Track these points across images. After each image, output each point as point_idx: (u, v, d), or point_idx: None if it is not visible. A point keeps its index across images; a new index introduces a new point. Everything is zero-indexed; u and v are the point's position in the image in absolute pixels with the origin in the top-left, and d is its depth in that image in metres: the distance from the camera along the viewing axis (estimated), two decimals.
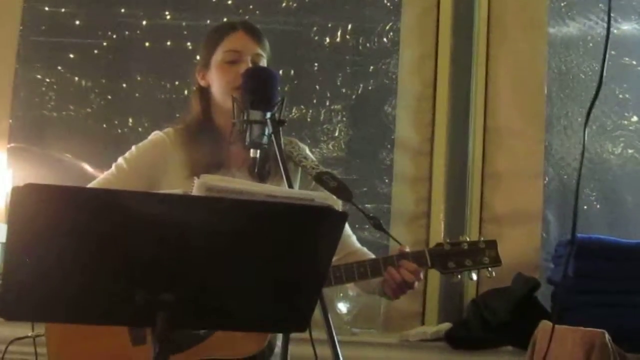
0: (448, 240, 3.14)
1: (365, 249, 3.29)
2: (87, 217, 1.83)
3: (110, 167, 3.17)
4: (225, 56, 3.12)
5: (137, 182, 3.05)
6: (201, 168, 2.94)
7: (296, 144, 3.21)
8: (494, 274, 3.14)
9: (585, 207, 4.75)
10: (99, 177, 3.18)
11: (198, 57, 3.29)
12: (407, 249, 3.07)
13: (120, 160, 3.15)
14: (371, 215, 3.08)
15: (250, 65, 3.06)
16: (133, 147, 3.18)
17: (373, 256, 3.20)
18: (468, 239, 3.16)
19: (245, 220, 1.92)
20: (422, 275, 3.06)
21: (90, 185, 3.12)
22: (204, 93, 3.19)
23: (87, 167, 4.70)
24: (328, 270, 2.19)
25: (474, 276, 3.14)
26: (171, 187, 2.84)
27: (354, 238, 3.30)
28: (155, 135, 3.19)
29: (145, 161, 3.12)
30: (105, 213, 1.84)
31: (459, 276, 3.15)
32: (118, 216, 1.84)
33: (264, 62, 3.14)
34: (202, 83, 3.19)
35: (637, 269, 4.14)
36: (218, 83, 3.12)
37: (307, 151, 3.23)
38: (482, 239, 3.16)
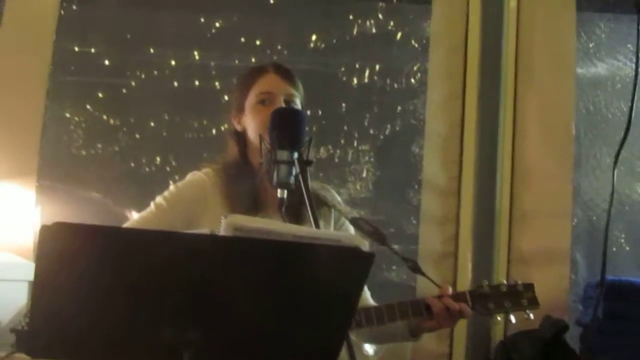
0: (486, 283, 3.15)
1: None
2: (115, 256, 1.83)
3: (138, 204, 3.18)
4: (257, 98, 3.14)
5: (176, 221, 3.05)
6: (240, 209, 2.95)
7: (329, 190, 3.25)
8: (531, 316, 3.17)
9: (614, 248, 4.72)
10: (138, 216, 3.19)
11: (232, 102, 3.30)
12: (450, 291, 3.07)
13: (159, 199, 3.16)
14: (408, 258, 3.10)
15: (283, 104, 3.08)
16: (172, 186, 3.19)
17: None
18: (506, 282, 3.18)
19: (272, 260, 1.92)
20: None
21: (129, 224, 3.14)
22: (240, 137, 3.21)
23: (115, 206, 4.71)
24: (355, 310, 2.18)
25: (513, 318, 3.17)
26: (210, 228, 2.85)
27: (368, 294, 3.29)
28: (195, 175, 3.20)
29: (185, 200, 3.13)
30: (132, 252, 1.84)
31: (498, 317, 3.18)
32: (145, 255, 1.84)
33: (297, 102, 3.15)
34: (238, 127, 3.21)
35: None
36: (252, 125, 3.13)
37: (339, 197, 3.25)
38: (519, 282, 3.18)
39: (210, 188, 3.12)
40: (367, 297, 3.28)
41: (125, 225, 3.13)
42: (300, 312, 1.97)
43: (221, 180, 3.14)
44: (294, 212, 2.83)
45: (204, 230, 2.36)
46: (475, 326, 4.37)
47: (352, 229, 3.09)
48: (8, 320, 3.73)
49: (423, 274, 3.16)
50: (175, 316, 1.90)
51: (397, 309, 3.05)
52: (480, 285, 3.17)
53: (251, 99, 3.16)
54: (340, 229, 3.19)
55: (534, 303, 3.17)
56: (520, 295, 3.16)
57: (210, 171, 3.19)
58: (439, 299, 3.03)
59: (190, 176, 3.21)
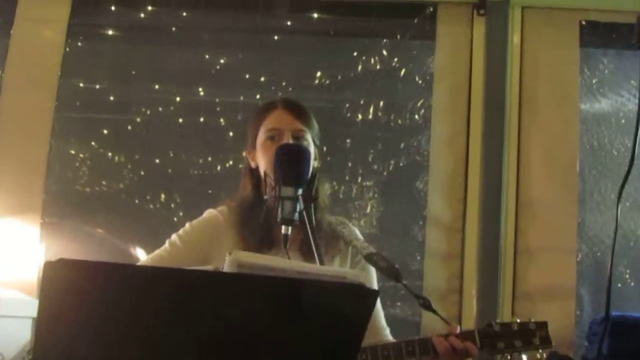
0: (497, 322, 3.11)
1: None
2: (118, 293, 1.82)
3: (143, 241, 3.18)
4: (266, 135, 3.14)
5: (190, 259, 3.04)
6: (253, 247, 2.96)
7: (347, 225, 3.24)
8: (544, 355, 3.11)
9: (619, 284, 4.70)
10: (152, 254, 3.19)
11: (246, 139, 3.31)
12: (458, 330, 3.05)
13: (173, 237, 3.16)
14: (420, 296, 3.09)
15: (290, 140, 3.08)
16: (187, 225, 3.20)
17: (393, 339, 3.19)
18: (518, 320, 3.14)
19: (275, 296, 1.91)
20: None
21: (143, 262, 3.14)
22: (254, 173, 3.21)
23: (120, 243, 4.71)
24: (359, 347, 2.17)
25: (524, 358, 3.12)
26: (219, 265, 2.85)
27: (382, 314, 3.28)
28: (209, 213, 3.20)
29: (199, 239, 3.13)
30: (135, 289, 1.83)
31: (509, 357, 3.13)
32: (148, 292, 1.84)
33: (307, 137, 3.15)
34: (252, 164, 3.22)
35: None
36: (262, 162, 3.13)
37: (358, 233, 3.24)
38: (532, 319, 3.14)
39: (224, 226, 3.13)
40: (381, 317, 3.27)
41: (140, 262, 3.13)
42: (304, 348, 1.96)
43: (235, 217, 3.15)
44: (305, 248, 2.84)
45: (209, 266, 2.36)
46: None
47: (368, 265, 3.09)
48: (12, 356, 3.73)
49: (434, 311, 3.14)
50: (179, 353, 1.89)
51: (404, 348, 3.03)
52: (489, 323, 3.14)
53: (261, 136, 3.17)
54: (358, 265, 3.19)
55: (546, 342, 3.09)
56: (532, 334, 3.10)
57: (225, 209, 3.20)
58: (445, 337, 3.00)
59: (206, 214, 3.22)
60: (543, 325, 3.13)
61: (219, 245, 3.08)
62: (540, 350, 3.10)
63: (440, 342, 3.00)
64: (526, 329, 3.11)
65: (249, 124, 3.28)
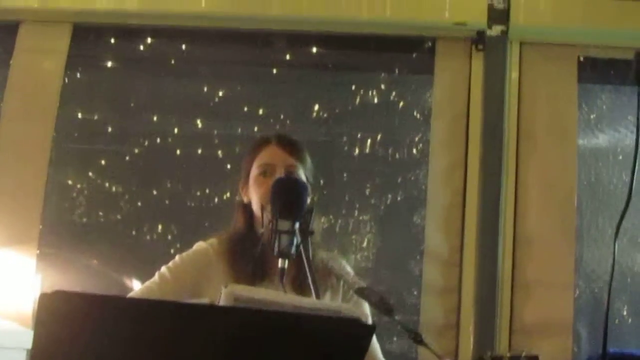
0: (489, 354, 3.11)
1: None
2: (113, 325, 1.82)
3: (139, 272, 3.18)
4: (259, 170, 3.16)
5: (180, 292, 3.04)
6: (245, 280, 2.95)
7: (338, 259, 3.24)
8: None
9: (616, 320, 4.69)
10: (142, 286, 3.19)
11: (240, 173, 3.32)
12: None
13: (163, 269, 3.16)
14: (413, 330, 3.08)
15: (283, 175, 3.09)
16: (177, 257, 3.20)
17: None
18: (508, 354, 3.13)
19: (271, 330, 1.91)
20: None
21: (132, 294, 3.14)
22: (246, 207, 3.22)
23: (116, 274, 4.69)
24: None
25: None
26: (214, 298, 2.85)
27: (378, 348, 3.27)
28: (199, 245, 3.21)
29: (189, 271, 3.13)
30: (131, 321, 1.83)
31: None
32: (144, 325, 1.83)
33: (300, 173, 3.16)
34: (245, 199, 3.23)
35: None
36: (255, 196, 3.15)
37: (349, 267, 3.24)
38: (523, 353, 3.13)
39: (214, 258, 3.13)
40: (377, 352, 3.27)
41: (130, 295, 3.12)
42: None
43: (226, 250, 3.15)
44: (298, 282, 2.83)
45: (204, 299, 2.36)
46: None
47: (361, 300, 3.08)
48: None
49: (426, 345, 3.13)
50: None
51: None
52: (481, 356, 3.13)
53: (254, 171, 3.18)
54: (350, 300, 3.19)
55: None
56: None
57: (215, 241, 3.20)
58: None
59: (196, 247, 3.22)
60: (534, 358, 3.13)
61: (209, 278, 3.08)
62: None
63: None
64: None
65: (243, 159, 3.30)
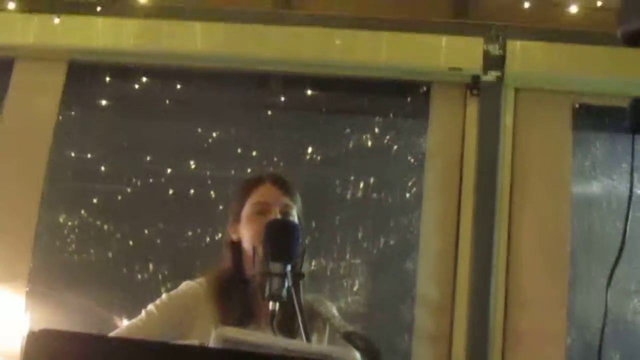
0: None
1: None
2: None
3: (130, 312, 3.16)
4: (253, 209, 3.16)
5: (166, 330, 3.02)
6: (232, 321, 2.94)
7: (324, 302, 3.22)
8: None
9: None
10: (129, 323, 3.17)
11: (229, 211, 3.31)
12: None
13: (150, 306, 3.14)
14: None
15: (278, 216, 3.08)
16: (164, 295, 3.18)
17: None
18: None
19: None
20: None
21: (118, 331, 3.12)
22: (235, 247, 3.21)
23: (106, 313, 4.67)
24: None
25: None
26: (201, 336, 2.83)
27: None
28: (188, 284, 3.19)
29: (176, 309, 3.11)
30: None
31: None
32: None
33: (293, 213, 3.16)
34: (234, 237, 3.22)
35: None
36: (247, 236, 3.13)
37: (335, 310, 3.22)
38: None
39: (202, 298, 3.11)
40: None
41: (115, 332, 3.10)
42: None
43: (214, 290, 3.13)
44: (286, 324, 2.81)
45: (194, 341, 2.34)
46: None
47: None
48: None
49: None
50: None
51: None
52: None
53: (247, 209, 3.17)
54: (336, 343, 3.16)
55: None
56: None
57: (203, 281, 3.19)
58: None
59: (184, 285, 3.20)
60: None
61: (196, 318, 3.06)
62: None
63: None
64: None
65: (234, 197, 3.29)
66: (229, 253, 3.23)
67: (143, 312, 3.13)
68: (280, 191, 3.19)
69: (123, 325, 3.24)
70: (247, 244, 3.14)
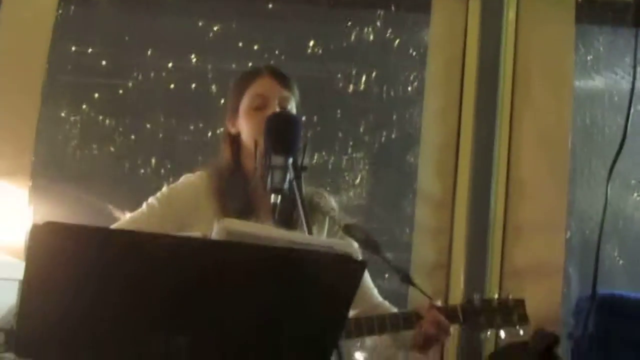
0: (477, 297, 3.14)
1: (387, 303, 3.28)
2: (106, 258, 1.82)
3: (132, 206, 3.16)
4: (252, 101, 3.14)
5: (168, 222, 3.03)
6: (232, 213, 2.95)
7: (323, 195, 3.23)
8: (521, 332, 3.16)
9: (607, 262, 4.70)
10: (129, 215, 3.18)
11: (227, 104, 3.29)
12: (439, 303, 3.07)
13: (151, 199, 3.15)
14: (400, 268, 3.09)
15: (277, 108, 3.07)
16: (165, 188, 3.19)
17: (396, 310, 3.20)
18: (496, 296, 3.17)
19: (264, 265, 1.91)
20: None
21: (119, 223, 3.13)
22: (234, 140, 3.20)
23: (109, 207, 4.69)
24: (346, 318, 2.17)
25: (502, 333, 3.17)
26: (202, 229, 2.85)
27: (375, 291, 3.29)
28: (188, 178, 3.19)
29: (178, 202, 3.12)
30: (123, 254, 1.83)
31: (488, 333, 3.17)
32: (136, 257, 1.83)
33: (292, 105, 3.14)
34: (232, 130, 3.20)
35: None
36: (247, 129, 3.12)
37: (334, 203, 3.23)
38: (510, 296, 3.17)
39: (203, 191, 3.12)
40: (375, 294, 3.29)
41: (116, 224, 3.11)
42: (292, 318, 1.96)
43: (214, 183, 3.14)
44: (285, 217, 2.82)
45: (197, 233, 2.35)
46: (466, 339, 4.36)
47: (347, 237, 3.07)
48: None
49: (414, 284, 3.15)
50: (166, 321, 1.89)
51: (387, 320, 3.05)
52: (471, 299, 3.17)
53: (245, 102, 3.15)
54: (335, 236, 3.18)
55: (524, 319, 3.17)
56: (511, 312, 3.16)
57: (204, 174, 3.19)
58: (430, 323, 3.03)
59: (184, 179, 3.20)
60: (521, 302, 3.19)
61: (196, 211, 3.07)
62: (517, 327, 3.15)
63: (426, 310, 3.03)
64: (505, 306, 3.16)
65: (232, 90, 3.26)
66: (227, 146, 3.22)
67: (144, 205, 3.14)
68: (278, 83, 3.17)
69: (124, 217, 3.24)
70: (246, 137, 3.13)
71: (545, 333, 4.16)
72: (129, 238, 1.89)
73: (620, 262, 4.78)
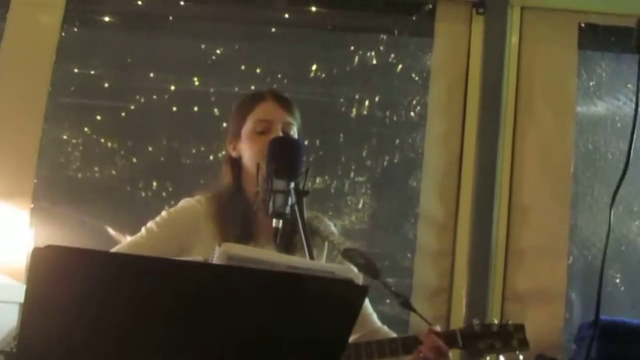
0: (477, 322, 3.14)
1: (386, 328, 3.28)
2: (107, 282, 1.81)
3: (133, 229, 3.15)
4: (255, 126, 3.13)
5: (167, 247, 3.02)
6: (231, 237, 2.94)
7: (322, 220, 3.23)
8: (521, 357, 3.15)
9: (609, 288, 4.70)
10: (129, 240, 3.16)
11: (228, 128, 3.29)
12: (438, 329, 3.07)
13: (151, 223, 3.13)
14: (400, 293, 3.08)
15: (281, 133, 3.06)
16: (164, 212, 3.17)
17: (395, 335, 3.19)
18: (496, 321, 3.17)
19: (264, 290, 1.90)
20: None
21: (118, 247, 3.11)
22: (235, 163, 3.19)
23: (110, 230, 4.69)
24: (346, 343, 2.16)
25: (502, 358, 3.16)
26: (202, 254, 2.84)
27: (375, 317, 3.28)
28: (187, 202, 3.18)
29: (177, 226, 3.10)
30: (125, 278, 1.82)
31: (488, 358, 3.17)
32: (137, 281, 1.82)
33: (294, 131, 3.14)
34: (234, 154, 3.20)
35: None
36: (249, 153, 3.12)
37: (333, 227, 3.23)
38: (510, 321, 3.17)
39: (202, 215, 3.11)
40: (374, 319, 3.28)
41: (115, 248, 3.09)
42: (292, 343, 1.95)
43: (214, 207, 3.13)
44: (285, 241, 2.82)
45: (198, 257, 2.35)
46: None
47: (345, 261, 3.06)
48: None
49: (414, 310, 3.15)
50: (166, 345, 1.88)
51: (386, 345, 3.04)
52: (470, 324, 3.17)
53: (248, 126, 3.14)
54: (334, 260, 3.17)
55: (524, 344, 3.17)
56: (510, 336, 3.15)
57: (203, 198, 3.18)
58: (429, 349, 3.03)
59: (183, 202, 3.19)
60: (521, 327, 3.18)
61: (196, 235, 3.06)
62: (517, 352, 3.15)
63: (425, 336, 3.02)
64: (505, 331, 3.16)
65: (234, 113, 3.26)
66: (228, 169, 3.22)
67: (143, 229, 3.13)
68: (282, 108, 3.17)
69: (124, 241, 3.23)
70: (248, 161, 3.13)
71: (546, 359, 4.16)
72: (131, 262, 1.88)
73: (622, 288, 4.77)
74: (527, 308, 4.44)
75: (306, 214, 2.98)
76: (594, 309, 2.71)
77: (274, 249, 2.91)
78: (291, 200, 2.62)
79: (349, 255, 2.98)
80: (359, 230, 4.84)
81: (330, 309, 1.94)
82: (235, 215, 3.08)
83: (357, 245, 3.08)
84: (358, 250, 3.01)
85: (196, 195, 3.20)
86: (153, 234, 3.09)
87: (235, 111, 3.26)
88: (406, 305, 3.09)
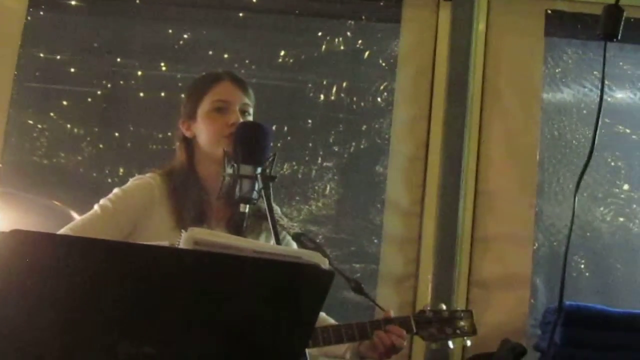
0: (429, 308, 3.20)
1: (331, 319, 3.29)
2: (72, 266, 1.80)
3: None
4: (213, 106, 3.11)
5: (122, 224, 3.00)
6: (186, 220, 2.92)
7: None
8: (469, 343, 3.23)
9: (574, 274, 4.73)
10: (81, 218, 3.11)
11: (182, 108, 3.25)
12: (392, 314, 3.11)
13: (104, 201, 3.08)
14: (352, 278, 3.10)
15: (239, 115, 3.05)
16: (117, 189, 3.12)
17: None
18: (444, 307, 3.23)
19: (231, 275, 1.90)
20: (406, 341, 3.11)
21: (72, 225, 3.04)
22: (189, 144, 3.17)
23: (76, 215, 4.66)
24: (313, 328, 2.16)
25: (451, 344, 3.23)
26: (156, 234, 2.84)
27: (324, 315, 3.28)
28: (141, 179, 3.14)
29: (132, 204, 3.06)
30: (91, 262, 1.81)
31: (439, 343, 3.23)
32: (103, 266, 1.82)
33: (251, 112, 3.14)
34: (188, 134, 3.17)
35: (625, 339, 4.12)
36: (206, 133, 3.09)
37: (280, 212, 3.22)
38: (459, 308, 3.24)
39: (157, 193, 3.07)
40: (325, 317, 3.28)
41: (69, 226, 3.02)
42: (259, 327, 1.95)
43: (168, 187, 3.10)
44: (234, 224, 2.82)
45: (164, 242, 2.34)
46: (432, 351, 4.36)
47: (294, 244, 3.05)
48: None
49: (367, 295, 3.18)
50: (131, 330, 1.87)
51: (343, 330, 3.06)
52: (423, 310, 3.22)
53: (205, 106, 3.12)
54: (283, 244, 3.16)
55: (472, 331, 3.24)
56: (459, 322, 3.22)
57: (156, 176, 3.14)
58: (383, 325, 3.07)
59: (136, 179, 3.14)
60: (469, 313, 3.27)
61: (150, 213, 3.03)
62: (465, 338, 3.22)
63: (379, 334, 3.06)
64: (455, 317, 3.22)
65: (189, 93, 3.24)
66: (182, 150, 3.19)
67: (96, 207, 3.06)
68: (240, 89, 3.15)
69: (77, 219, 3.17)
70: (203, 141, 3.10)
71: (511, 344, 4.19)
72: (96, 246, 1.88)
73: (587, 273, 4.80)
74: (493, 294, 4.46)
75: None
76: (559, 295, 2.73)
77: (223, 232, 2.92)
78: (258, 185, 2.62)
79: (299, 239, 2.98)
80: (325, 216, 4.84)
81: (297, 293, 1.95)
82: (189, 197, 3.06)
83: (323, 231, 3.09)
84: (307, 235, 3.02)
85: (148, 173, 3.17)
86: (108, 211, 3.04)
87: (190, 91, 3.24)
88: (358, 290, 3.10)
